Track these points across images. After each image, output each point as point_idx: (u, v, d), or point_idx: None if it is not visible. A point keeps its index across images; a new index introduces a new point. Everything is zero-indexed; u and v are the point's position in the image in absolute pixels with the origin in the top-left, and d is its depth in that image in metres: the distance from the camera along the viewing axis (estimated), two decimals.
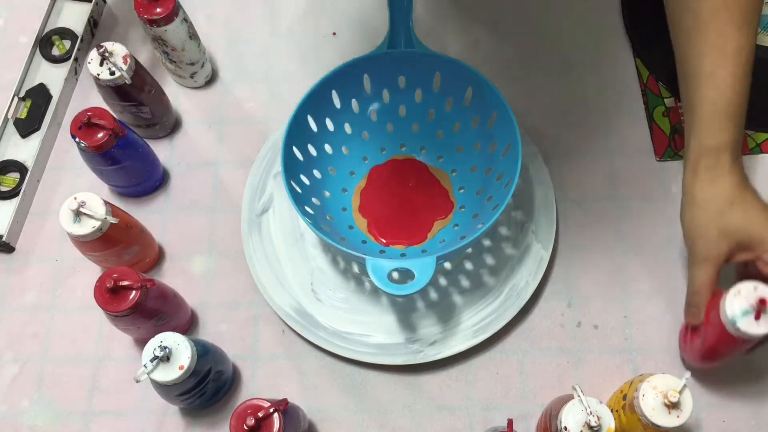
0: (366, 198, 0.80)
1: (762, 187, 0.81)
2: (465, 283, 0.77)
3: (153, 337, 0.64)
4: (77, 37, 0.89)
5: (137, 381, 0.62)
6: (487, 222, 0.69)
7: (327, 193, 0.79)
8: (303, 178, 0.75)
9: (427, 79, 0.76)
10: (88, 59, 0.75)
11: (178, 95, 0.88)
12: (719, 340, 0.65)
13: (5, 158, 0.84)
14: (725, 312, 0.63)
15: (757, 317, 0.62)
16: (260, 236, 0.79)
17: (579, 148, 0.84)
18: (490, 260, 0.78)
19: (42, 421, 0.75)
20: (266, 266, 0.78)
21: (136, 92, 0.78)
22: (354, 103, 0.78)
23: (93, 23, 0.90)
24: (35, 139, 0.84)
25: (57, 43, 0.89)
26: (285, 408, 0.63)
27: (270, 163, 0.82)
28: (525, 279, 0.76)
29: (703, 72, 0.65)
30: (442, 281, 0.77)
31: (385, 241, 0.78)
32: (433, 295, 0.77)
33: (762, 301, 0.61)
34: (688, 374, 0.61)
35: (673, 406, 0.61)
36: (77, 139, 0.72)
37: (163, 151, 0.85)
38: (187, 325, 0.77)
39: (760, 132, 0.83)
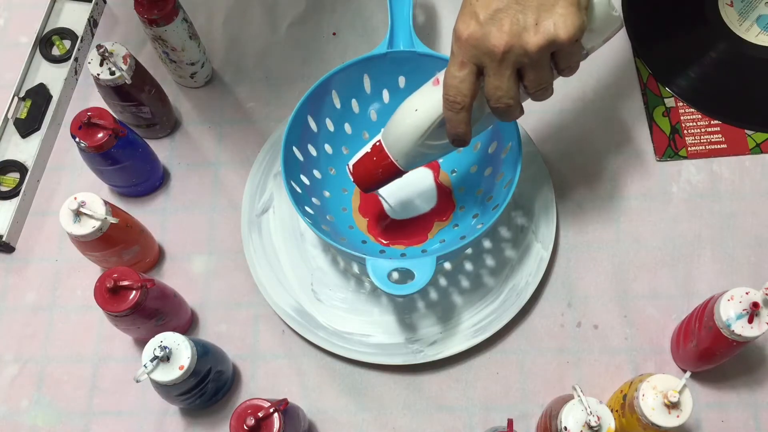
0: (366, 198, 0.80)
1: (762, 187, 0.81)
2: (465, 283, 0.77)
3: (153, 337, 0.64)
4: (77, 37, 0.89)
5: (137, 381, 0.62)
6: (487, 222, 0.69)
7: (327, 193, 0.79)
8: (303, 178, 0.75)
9: (427, 79, 0.76)
10: (88, 59, 0.75)
11: (178, 95, 0.88)
12: (714, 344, 0.67)
13: (5, 158, 0.84)
14: (720, 316, 0.64)
15: (750, 320, 0.63)
16: (260, 236, 0.79)
17: (579, 148, 0.84)
18: (490, 260, 0.78)
19: (42, 421, 0.75)
20: (266, 266, 0.78)
21: (136, 92, 0.78)
22: (354, 103, 0.78)
23: (93, 23, 0.90)
24: (35, 139, 0.85)
25: (57, 43, 0.89)
26: (285, 408, 0.63)
27: (270, 163, 0.82)
28: (525, 279, 0.76)
29: None
30: (442, 281, 0.77)
31: (385, 241, 0.78)
32: (433, 295, 0.77)
33: (755, 305, 0.63)
34: (688, 374, 0.61)
35: (672, 406, 0.61)
36: (77, 139, 0.72)
37: (163, 151, 0.85)
38: (187, 325, 0.77)
39: (760, 132, 0.83)
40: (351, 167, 0.69)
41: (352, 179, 0.69)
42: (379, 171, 0.67)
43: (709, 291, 0.75)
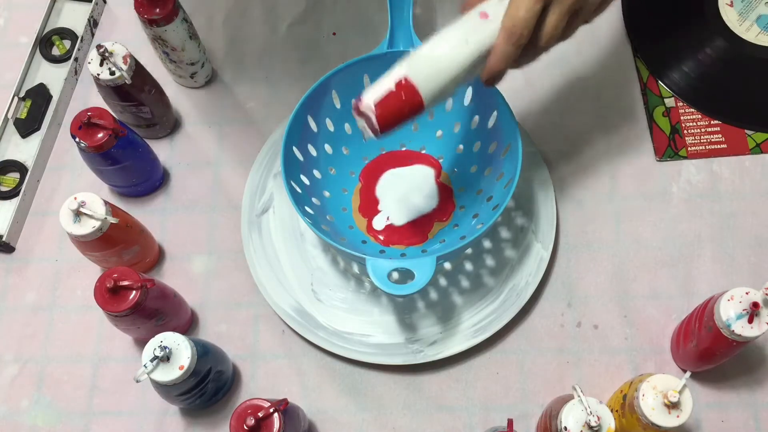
0: (366, 198, 0.80)
1: (762, 187, 0.81)
2: (465, 283, 0.77)
3: (153, 337, 0.64)
4: (77, 37, 0.89)
5: (137, 381, 0.62)
6: (487, 222, 0.69)
7: (327, 193, 0.79)
8: (303, 178, 0.75)
9: None
10: (88, 59, 0.75)
11: (178, 95, 0.88)
12: (714, 344, 0.67)
13: (5, 158, 0.84)
14: (720, 316, 0.64)
15: (750, 320, 0.63)
16: (260, 236, 0.79)
17: (579, 148, 0.84)
18: (490, 260, 0.78)
19: (42, 421, 0.75)
20: (266, 266, 0.78)
21: (136, 92, 0.78)
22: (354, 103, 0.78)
23: (93, 23, 0.90)
24: (35, 139, 0.85)
25: (57, 43, 0.89)
26: (285, 408, 0.63)
27: (270, 163, 0.82)
28: (525, 279, 0.76)
29: None
30: (442, 281, 0.77)
31: (385, 241, 0.78)
32: (433, 295, 0.77)
33: (755, 305, 0.63)
34: (688, 374, 0.61)
35: (672, 406, 0.61)
36: (77, 139, 0.72)
37: (163, 151, 0.85)
38: (187, 325, 0.77)
39: (760, 132, 0.83)
40: (373, 107, 0.62)
41: (374, 120, 0.62)
42: (406, 110, 0.62)
43: (709, 291, 0.75)
